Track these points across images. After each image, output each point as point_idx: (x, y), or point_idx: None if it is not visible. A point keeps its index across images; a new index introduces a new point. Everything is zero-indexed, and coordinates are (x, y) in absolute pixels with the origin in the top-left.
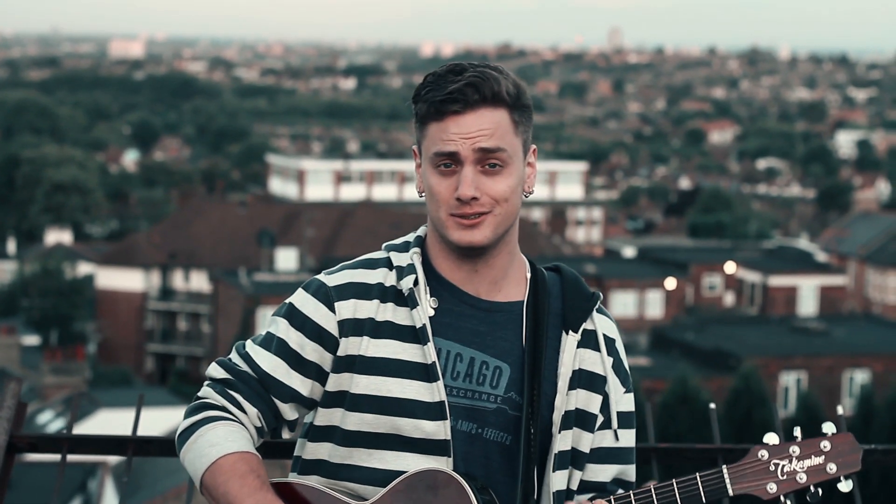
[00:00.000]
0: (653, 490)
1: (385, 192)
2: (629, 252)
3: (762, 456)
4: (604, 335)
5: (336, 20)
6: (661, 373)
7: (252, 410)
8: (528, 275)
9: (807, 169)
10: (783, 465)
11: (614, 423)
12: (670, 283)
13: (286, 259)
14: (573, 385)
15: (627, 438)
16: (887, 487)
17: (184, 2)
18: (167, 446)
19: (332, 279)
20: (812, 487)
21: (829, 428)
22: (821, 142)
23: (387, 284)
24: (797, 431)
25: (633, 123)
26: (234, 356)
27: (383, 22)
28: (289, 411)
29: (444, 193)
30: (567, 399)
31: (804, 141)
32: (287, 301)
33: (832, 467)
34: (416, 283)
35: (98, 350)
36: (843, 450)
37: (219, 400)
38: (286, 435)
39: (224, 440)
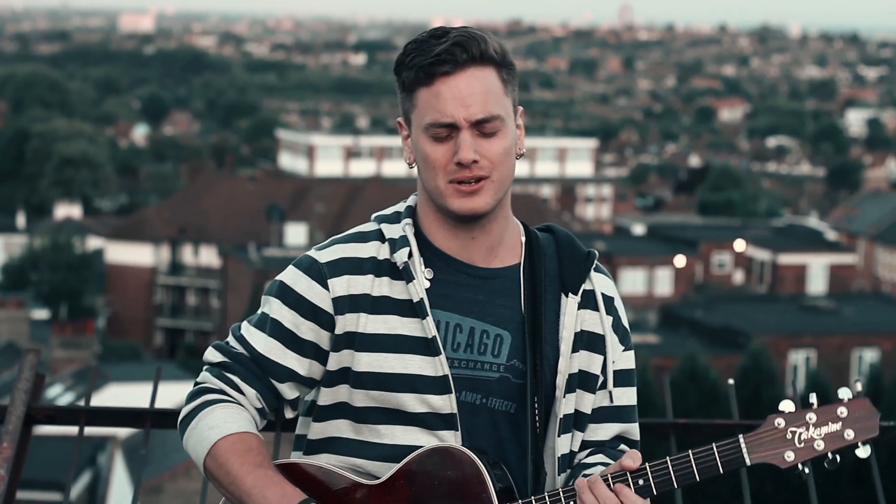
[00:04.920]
0: (669, 462)
1: (395, 168)
2: (639, 229)
3: (779, 424)
4: (602, 294)
5: None
6: (670, 350)
7: (250, 391)
8: (523, 238)
9: (817, 147)
10: (800, 433)
11: (610, 384)
12: (680, 260)
13: (296, 234)
14: (576, 347)
15: (628, 396)
16: None
17: None
18: None
19: (323, 255)
20: (830, 454)
21: (845, 393)
22: (831, 120)
23: (380, 258)
24: (813, 398)
25: (643, 101)
26: (231, 339)
27: None
28: (287, 391)
29: (441, 160)
30: (570, 362)
31: (814, 119)
32: (278, 279)
33: (850, 433)
34: (410, 255)
35: (107, 324)
36: (860, 415)
37: (216, 383)
38: (289, 414)
39: (223, 422)
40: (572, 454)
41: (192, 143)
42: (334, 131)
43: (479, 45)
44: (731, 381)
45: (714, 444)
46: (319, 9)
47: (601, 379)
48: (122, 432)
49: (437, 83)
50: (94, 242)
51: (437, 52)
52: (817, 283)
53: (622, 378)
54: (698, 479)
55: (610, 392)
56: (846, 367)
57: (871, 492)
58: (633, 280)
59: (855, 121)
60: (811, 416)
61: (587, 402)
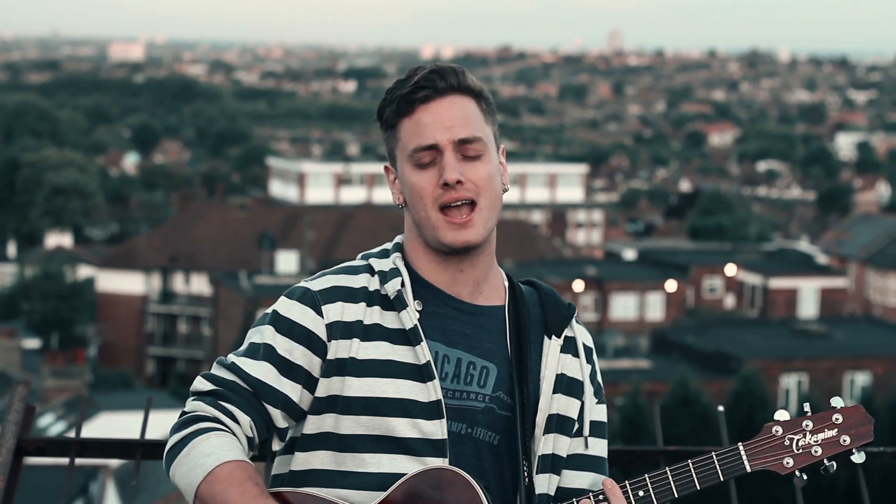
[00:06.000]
0: (669, 472)
1: (386, 195)
2: (630, 254)
3: (776, 432)
4: (583, 343)
5: (336, 23)
6: (662, 375)
7: (245, 419)
8: (506, 283)
9: (807, 171)
10: (798, 440)
11: (586, 431)
12: (671, 285)
13: (287, 262)
14: (555, 389)
15: (600, 448)
16: (888, 488)
17: (184, 4)
18: None
19: (315, 284)
20: (826, 461)
21: (837, 402)
22: (821, 144)
23: (371, 289)
24: (807, 406)
25: (633, 126)
26: (219, 369)
27: (383, 24)
28: (280, 419)
29: (427, 187)
30: (550, 402)
31: (804, 143)
32: (270, 310)
33: (846, 439)
34: (402, 285)
35: (99, 353)
36: (855, 422)
37: (209, 411)
38: (276, 446)
39: (219, 449)
40: (549, 498)
41: (183, 171)
42: (325, 159)
43: (457, 76)
44: (720, 408)
45: (713, 453)
46: (309, 37)
47: (577, 426)
48: (115, 461)
49: (417, 111)
50: (84, 271)
51: (416, 81)
52: (808, 307)
53: (596, 429)
54: (699, 488)
55: (586, 439)
56: (838, 390)
57: None
58: (625, 305)
59: (845, 144)
60: (808, 423)
61: (563, 445)
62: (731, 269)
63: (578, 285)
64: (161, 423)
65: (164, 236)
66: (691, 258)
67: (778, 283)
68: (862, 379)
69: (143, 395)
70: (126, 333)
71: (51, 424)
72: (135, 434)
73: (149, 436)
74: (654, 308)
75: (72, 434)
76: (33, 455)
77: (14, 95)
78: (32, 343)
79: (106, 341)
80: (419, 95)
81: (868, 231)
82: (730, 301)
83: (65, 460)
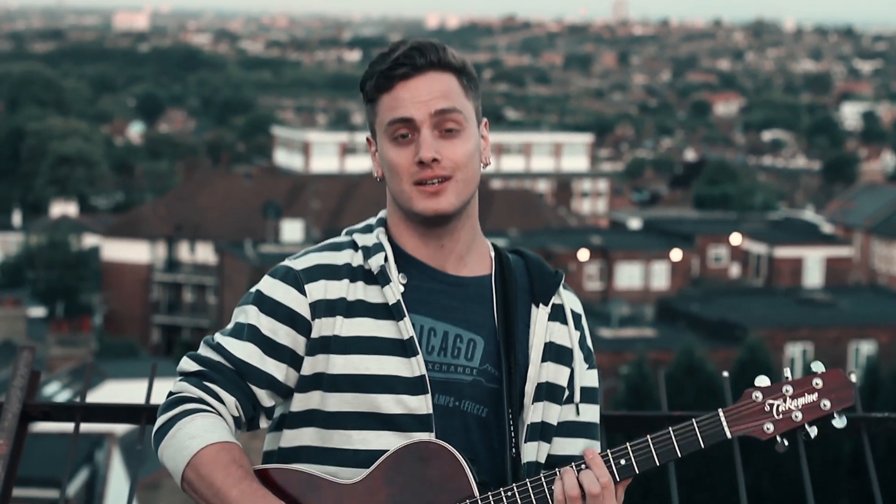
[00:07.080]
0: (650, 440)
1: None
2: (635, 224)
3: (756, 397)
4: (571, 310)
5: None
6: (667, 344)
7: (230, 399)
8: (492, 253)
9: (812, 141)
10: (778, 405)
11: (577, 397)
12: (676, 254)
13: (292, 231)
14: (544, 357)
15: (592, 413)
16: (894, 456)
17: None
18: None
19: (298, 263)
20: (807, 426)
21: (818, 367)
22: (826, 114)
23: (354, 265)
24: (787, 372)
25: (638, 95)
26: (205, 349)
27: None
28: (266, 398)
29: (403, 163)
30: (539, 371)
31: (809, 113)
32: (253, 289)
33: (826, 403)
34: (385, 259)
35: (104, 322)
36: (835, 386)
37: (195, 392)
38: (264, 424)
39: (204, 431)
40: (539, 466)
41: (188, 140)
42: (329, 128)
43: (437, 52)
44: (725, 374)
45: (694, 420)
46: (314, 5)
47: (567, 393)
48: (120, 429)
49: (396, 87)
50: (90, 240)
51: (395, 58)
52: (814, 276)
53: (587, 395)
54: (680, 455)
55: (577, 405)
56: (843, 359)
57: (868, 483)
58: (630, 274)
59: (850, 114)
60: (787, 388)
61: (553, 413)
62: (736, 239)
63: (584, 254)
64: (166, 391)
65: (169, 205)
66: (697, 227)
67: (783, 252)
68: (867, 348)
69: (148, 363)
70: (131, 302)
71: (56, 392)
72: (140, 402)
73: (154, 401)
74: (660, 277)
75: (77, 400)
76: (39, 420)
77: (19, 65)
78: (38, 312)
79: (111, 310)
80: (398, 72)
81: (873, 200)
82: (735, 270)
83: (70, 426)
